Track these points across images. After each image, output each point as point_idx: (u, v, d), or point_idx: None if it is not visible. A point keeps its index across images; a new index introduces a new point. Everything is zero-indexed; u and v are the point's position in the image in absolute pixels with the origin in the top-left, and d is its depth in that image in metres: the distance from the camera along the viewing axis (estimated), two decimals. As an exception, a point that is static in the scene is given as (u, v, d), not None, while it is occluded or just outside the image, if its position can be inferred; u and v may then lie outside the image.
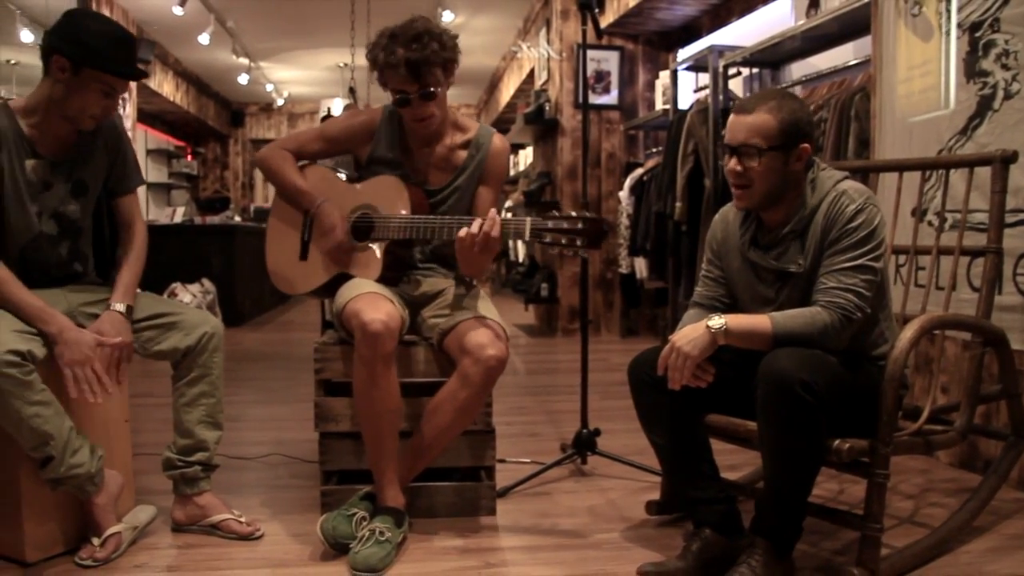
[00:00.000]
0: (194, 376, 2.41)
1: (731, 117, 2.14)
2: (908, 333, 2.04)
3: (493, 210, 2.37)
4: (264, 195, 14.67)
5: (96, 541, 2.25)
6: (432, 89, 2.46)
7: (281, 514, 2.60)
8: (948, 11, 3.12)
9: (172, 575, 2.21)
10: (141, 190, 2.57)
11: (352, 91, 7.78)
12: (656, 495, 2.61)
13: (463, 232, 2.30)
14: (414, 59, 2.39)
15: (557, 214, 2.27)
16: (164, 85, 10.57)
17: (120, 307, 2.34)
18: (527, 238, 2.29)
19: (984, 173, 2.50)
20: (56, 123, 2.30)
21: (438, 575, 2.18)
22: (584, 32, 3.04)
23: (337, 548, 2.26)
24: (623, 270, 6.68)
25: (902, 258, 2.99)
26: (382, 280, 2.52)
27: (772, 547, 2.02)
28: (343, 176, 2.75)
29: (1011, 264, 2.83)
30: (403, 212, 2.50)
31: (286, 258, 2.70)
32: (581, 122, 3.06)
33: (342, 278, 2.56)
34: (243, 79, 11.16)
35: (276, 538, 2.42)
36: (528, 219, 2.28)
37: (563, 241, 2.24)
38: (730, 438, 2.22)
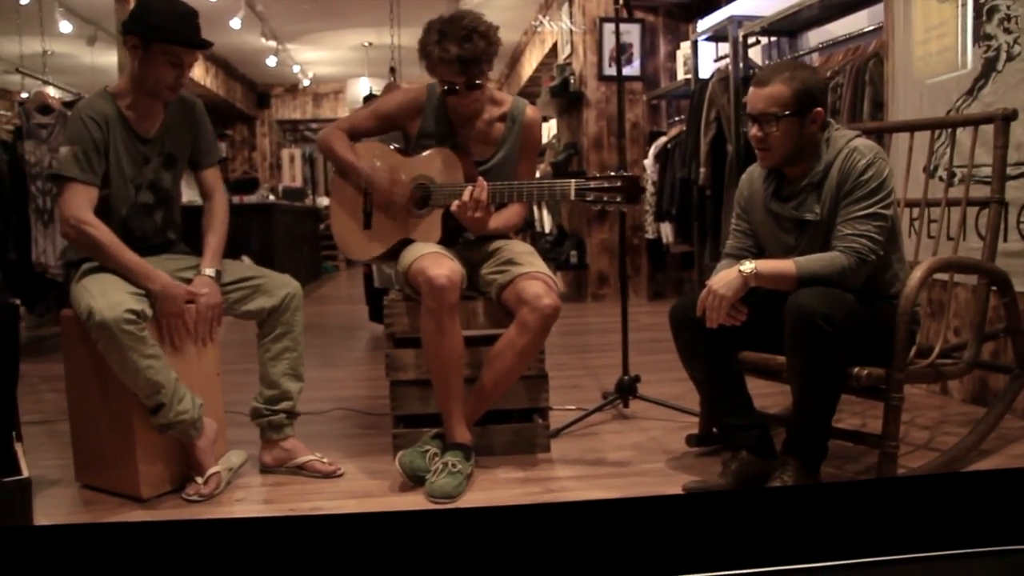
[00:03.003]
0: (278, 333, 2.69)
1: (750, 89, 2.39)
2: (918, 273, 2.29)
3: (481, 179, 2.68)
4: (291, 175, 14.95)
5: (199, 480, 2.52)
6: (478, 81, 2.72)
7: (355, 457, 2.86)
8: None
9: (269, 506, 2.49)
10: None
11: (392, 70, 8.02)
12: (694, 432, 2.86)
13: (454, 205, 2.67)
14: (466, 57, 2.64)
15: (598, 175, 2.55)
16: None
17: (210, 271, 2.62)
18: (572, 198, 2.57)
19: (988, 130, 2.73)
20: (144, 101, 2.59)
21: (506, 499, 2.45)
22: (617, 10, 3.27)
23: (414, 480, 2.53)
24: (649, 235, 6.88)
25: (916, 211, 3.21)
26: (440, 242, 2.77)
27: (802, 465, 2.29)
28: (397, 149, 3.00)
29: (1016, 213, 3.06)
30: (459, 181, 2.76)
31: (352, 229, 2.96)
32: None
33: (404, 244, 2.82)
34: (271, 61, 11.36)
35: (355, 476, 2.69)
36: (572, 180, 2.58)
37: (604, 198, 2.53)
38: (762, 372, 2.48)
